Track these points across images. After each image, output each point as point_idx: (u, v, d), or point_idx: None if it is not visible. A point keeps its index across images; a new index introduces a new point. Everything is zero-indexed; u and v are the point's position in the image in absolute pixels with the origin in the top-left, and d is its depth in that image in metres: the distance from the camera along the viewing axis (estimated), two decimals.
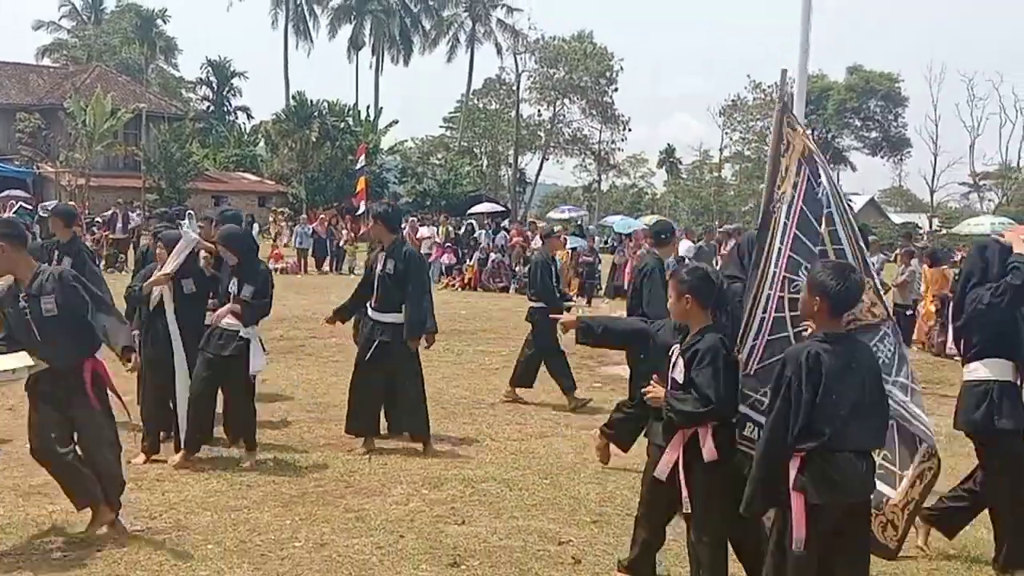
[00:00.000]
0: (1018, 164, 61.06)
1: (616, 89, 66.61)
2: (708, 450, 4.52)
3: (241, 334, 7.01)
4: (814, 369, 4.05)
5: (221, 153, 56.65)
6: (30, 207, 27.03)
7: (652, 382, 4.76)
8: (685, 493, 4.58)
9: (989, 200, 62.77)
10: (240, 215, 8.79)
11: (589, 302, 22.33)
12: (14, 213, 24.94)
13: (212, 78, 69.07)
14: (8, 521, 5.83)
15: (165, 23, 70.14)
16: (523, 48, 66.72)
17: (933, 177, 63.72)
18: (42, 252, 8.18)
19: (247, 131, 64.73)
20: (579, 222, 39.21)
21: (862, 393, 4.09)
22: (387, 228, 7.93)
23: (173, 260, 7.12)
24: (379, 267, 7.78)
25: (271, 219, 39.33)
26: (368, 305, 7.94)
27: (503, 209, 46.29)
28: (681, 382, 4.57)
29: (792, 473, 4.08)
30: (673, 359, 4.66)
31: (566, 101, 67.14)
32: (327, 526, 5.93)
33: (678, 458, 4.59)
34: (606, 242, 39.06)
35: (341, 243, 30.11)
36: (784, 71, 5.54)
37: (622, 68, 66.29)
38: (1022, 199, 56.12)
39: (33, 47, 74.87)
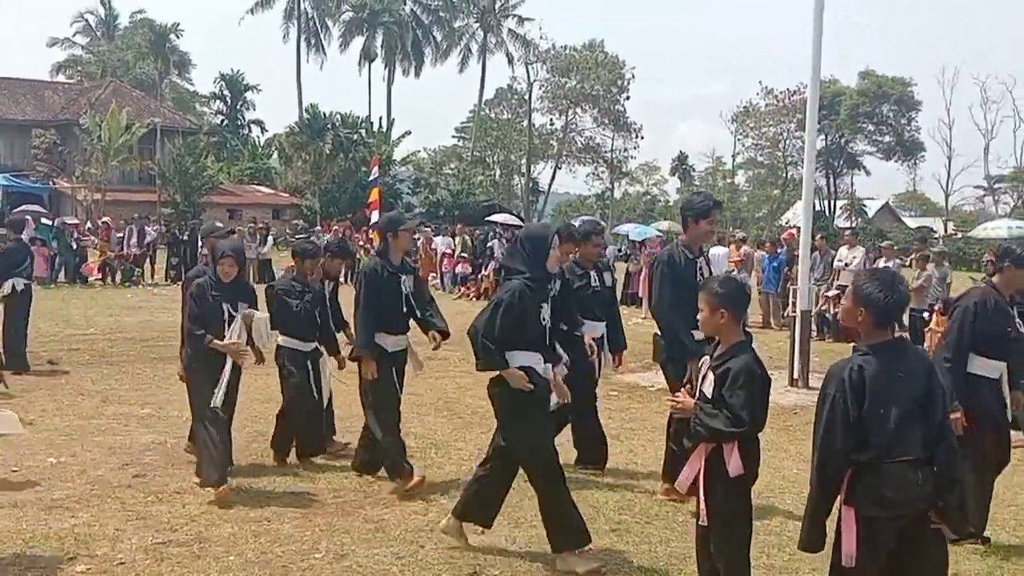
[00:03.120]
0: None
1: (628, 97, 66.68)
2: (734, 465, 4.41)
3: None
4: (857, 384, 3.93)
5: (235, 166, 56.95)
6: (50, 222, 27.17)
7: (683, 391, 4.70)
8: (703, 506, 4.51)
9: (1004, 203, 62.57)
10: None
11: None
12: (34, 230, 25.08)
13: (226, 92, 69.47)
14: (32, 535, 5.86)
15: (178, 38, 70.55)
16: (534, 58, 66.82)
17: (948, 181, 63.56)
18: None
19: (261, 144, 65.09)
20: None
21: (912, 401, 3.94)
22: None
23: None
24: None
25: (287, 231, 39.46)
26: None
27: (519, 221, 46.29)
28: (710, 396, 4.46)
29: (844, 486, 3.98)
30: (703, 371, 4.58)
31: (578, 110, 67.16)
32: (347, 536, 5.94)
33: (699, 470, 4.51)
34: (619, 250, 39.01)
35: (356, 254, 30.14)
36: None
37: (633, 76, 66.35)
38: None
39: (48, 64, 75.39)
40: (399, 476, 6.88)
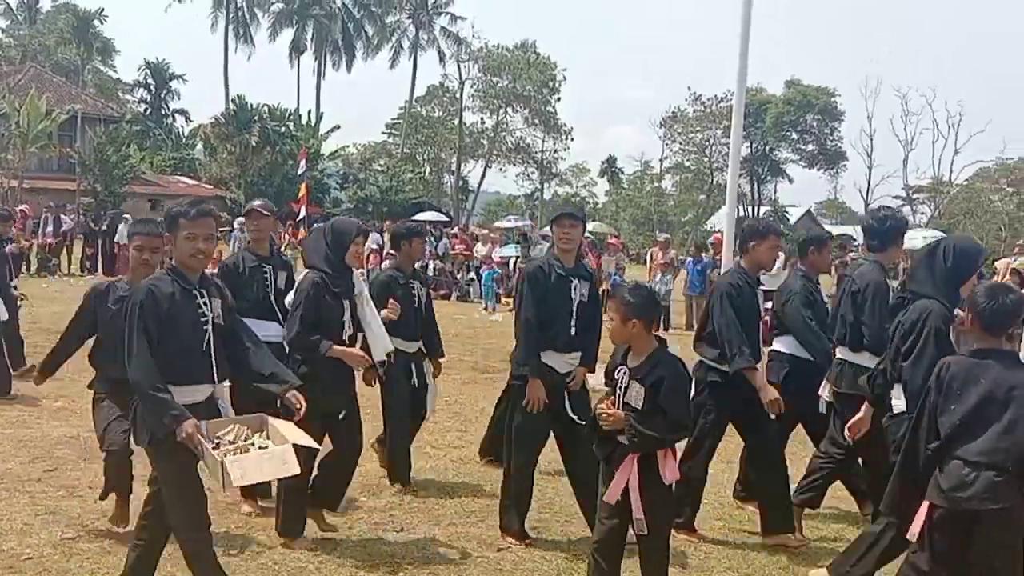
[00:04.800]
0: (950, 178, 62.57)
1: (559, 99, 67.08)
2: (671, 470, 4.44)
3: None
4: (942, 379, 4.24)
5: (158, 156, 55.83)
6: None
7: (607, 402, 4.55)
8: (640, 515, 4.43)
9: (922, 213, 64.18)
10: None
11: None
12: None
13: (150, 80, 68.08)
14: None
15: (102, 23, 69.05)
16: (466, 56, 66.85)
17: (868, 190, 65.14)
18: None
19: (185, 134, 63.87)
20: (522, 230, 39.30)
21: (979, 408, 4.13)
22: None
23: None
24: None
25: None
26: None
27: (446, 219, 46.23)
28: (640, 407, 4.39)
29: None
30: (623, 381, 4.52)
31: (509, 110, 67.39)
32: (264, 534, 5.87)
33: (628, 480, 4.46)
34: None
35: (281, 248, 29.80)
36: None
37: (565, 78, 66.77)
38: (954, 213, 57.43)
39: None
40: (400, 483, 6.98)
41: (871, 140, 65.03)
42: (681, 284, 20.97)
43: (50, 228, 26.25)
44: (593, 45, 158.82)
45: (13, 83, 45.84)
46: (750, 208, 63.61)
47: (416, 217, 40.50)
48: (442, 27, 68.54)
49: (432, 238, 27.56)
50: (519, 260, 24.11)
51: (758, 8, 11.27)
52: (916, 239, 40.15)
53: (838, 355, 6.22)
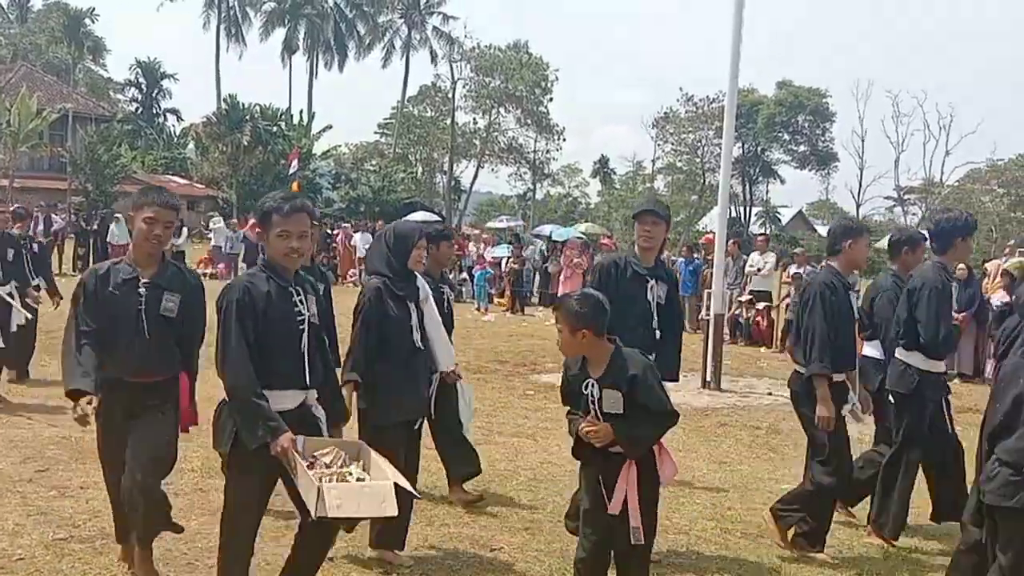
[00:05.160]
0: (941, 179, 62.73)
1: (551, 99, 67.11)
2: (670, 467, 4.40)
3: None
4: (997, 379, 4.35)
5: (150, 156, 55.72)
6: None
7: (587, 420, 4.35)
8: (637, 524, 4.29)
9: (912, 214, 64.27)
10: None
11: (522, 310, 22.45)
12: None
13: (141, 79, 67.97)
14: None
15: (93, 22, 68.95)
16: (459, 56, 66.83)
17: (859, 191, 65.22)
18: None
19: (177, 134, 63.75)
20: (514, 231, 39.35)
21: (1015, 407, 4.11)
22: None
23: None
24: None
25: (201, 223, 38.77)
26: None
27: (438, 218, 46.21)
28: (622, 412, 4.30)
29: None
30: (595, 394, 4.35)
31: (501, 110, 67.37)
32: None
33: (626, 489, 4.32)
34: (546, 252, 39.24)
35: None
36: None
37: (557, 78, 66.81)
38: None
39: None
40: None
41: (862, 141, 65.14)
42: None
43: (41, 228, 26.15)
44: (585, 45, 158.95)
45: (4, 82, 45.75)
46: (742, 209, 63.70)
47: (408, 217, 40.54)
48: (434, 27, 68.49)
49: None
50: (511, 260, 24.15)
51: (749, 9, 11.29)
52: None
53: (896, 355, 6.21)
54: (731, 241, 19.04)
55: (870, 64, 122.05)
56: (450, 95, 67.58)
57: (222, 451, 4.32)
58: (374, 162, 63.51)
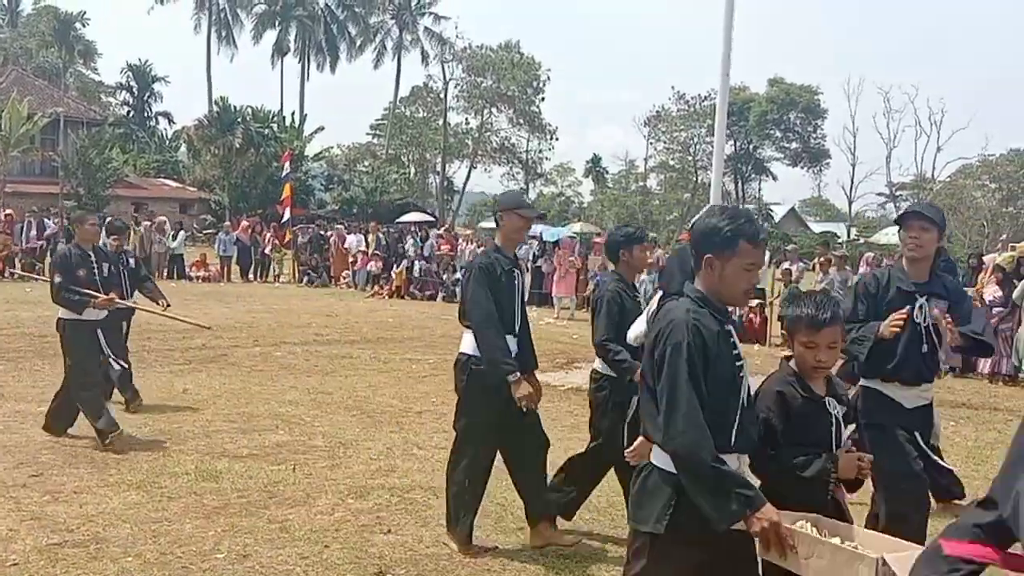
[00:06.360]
0: (933, 175, 62.93)
1: (543, 98, 67.24)
2: None
3: None
4: None
5: (142, 159, 55.68)
6: None
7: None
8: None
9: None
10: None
11: None
12: None
13: (132, 83, 67.89)
14: None
15: (84, 26, 68.83)
16: (450, 56, 66.91)
17: (851, 187, 65.45)
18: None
19: (169, 137, 63.72)
20: None
21: None
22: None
23: None
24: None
25: (194, 226, 38.72)
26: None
27: (431, 218, 46.24)
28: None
29: None
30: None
31: (493, 110, 67.48)
32: (250, 537, 5.85)
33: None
34: (542, 251, 39.23)
35: (266, 251, 29.78)
36: None
37: (549, 78, 66.95)
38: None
39: None
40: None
41: (854, 138, 65.39)
42: None
43: (33, 232, 26.11)
44: (577, 44, 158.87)
45: None
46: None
47: (402, 218, 40.58)
48: (426, 27, 68.59)
49: (417, 239, 27.58)
50: None
51: (741, 6, 11.32)
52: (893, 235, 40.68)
53: None
54: None
55: (861, 60, 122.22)
56: (442, 95, 67.69)
57: (642, 528, 3.35)
58: (367, 163, 63.57)
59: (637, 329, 5.48)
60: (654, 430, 3.29)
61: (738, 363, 3.33)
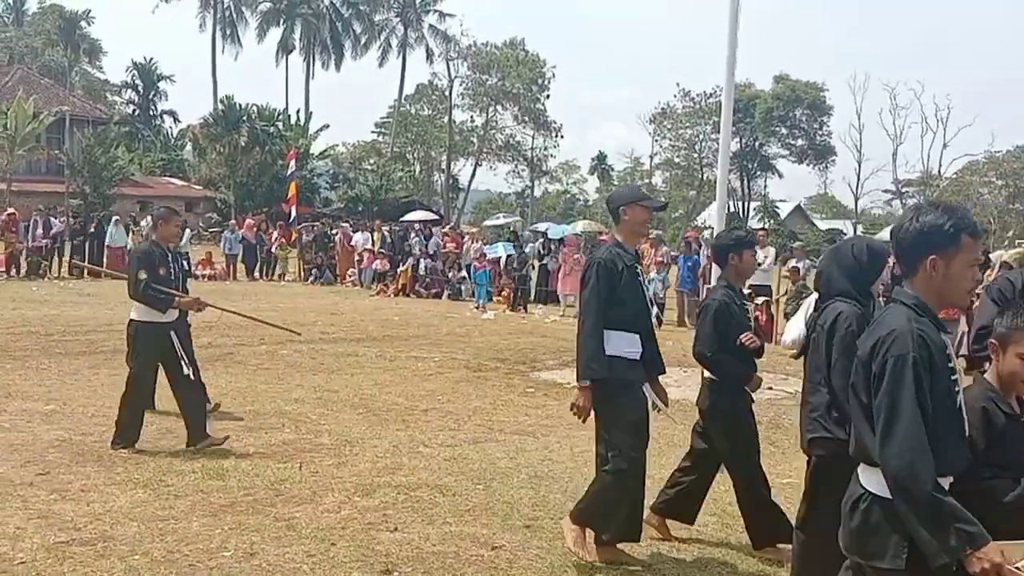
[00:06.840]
0: (939, 171, 62.77)
1: (548, 96, 67.22)
2: None
3: None
4: None
5: (147, 158, 55.76)
6: None
7: None
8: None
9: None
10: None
11: (524, 308, 22.43)
12: None
13: (138, 81, 68.03)
14: None
15: (89, 25, 68.99)
16: (455, 54, 66.91)
17: (857, 184, 65.29)
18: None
19: (174, 135, 63.84)
20: (512, 228, 39.35)
21: None
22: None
23: None
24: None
25: (200, 224, 38.77)
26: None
27: (436, 217, 46.26)
28: None
29: None
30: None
31: (499, 107, 67.48)
32: (257, 535, 5.85)
33: None
34: (547, 249, 39.26)
35: (272, 249, 29.80)
36: None
37: (554, 75, 66.90)
38: None
39: None
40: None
41: (860, 134, 65.34)
42: (672, 280, 21.07)
43: (40, 231, 26.13)
44: (578, 46, 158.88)
45: (0, 86, 45.67)
46: (740, 203, 63.76)
47: (407, 216, 40.59)
48: (431, 25, 68.61)
49: (422, 237, 27.58)
50: (513, 259, 24.18)
51: (746, 3, 11.29)
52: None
53: None
54: None
55: (861, 60, 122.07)
56: (447, 93, 67.68)
57: (878, 565, 3.08)
58: (372, 161, 63.61)
59: (794, 332, 5.22)
60: (867, 449, 3.06)
61: (953, 376, 3.08)
